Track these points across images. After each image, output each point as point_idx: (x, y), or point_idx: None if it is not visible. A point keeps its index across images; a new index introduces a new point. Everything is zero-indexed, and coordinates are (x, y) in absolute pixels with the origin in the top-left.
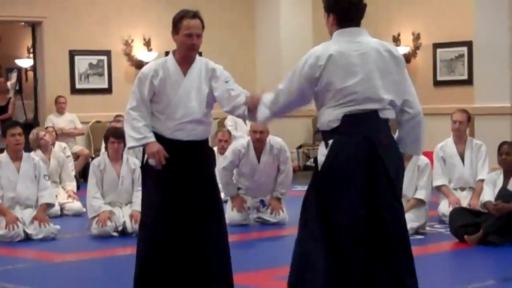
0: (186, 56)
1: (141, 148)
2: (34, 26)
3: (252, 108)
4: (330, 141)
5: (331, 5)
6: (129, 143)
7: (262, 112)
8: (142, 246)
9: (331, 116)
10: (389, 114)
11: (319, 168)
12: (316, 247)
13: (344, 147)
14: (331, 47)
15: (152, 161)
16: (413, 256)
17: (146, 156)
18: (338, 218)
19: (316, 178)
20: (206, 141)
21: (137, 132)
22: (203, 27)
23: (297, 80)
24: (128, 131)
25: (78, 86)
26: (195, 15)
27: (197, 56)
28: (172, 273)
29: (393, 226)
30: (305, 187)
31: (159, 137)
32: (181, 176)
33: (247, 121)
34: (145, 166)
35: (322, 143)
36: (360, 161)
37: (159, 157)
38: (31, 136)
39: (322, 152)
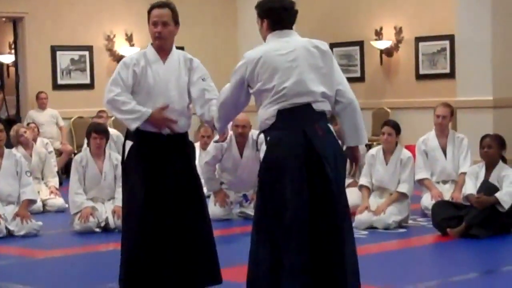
0: (158, 45)
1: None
2: (16, 22)
3: (213, 126)
4: (268, 138)
5: (264, 11)
6: (131, 125)
7: (215, 119)
8: (127, 240)
9: (266, 114)
10: (323, 106)
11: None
12: (263, 244)
13: (280, 141)
14: (261, 49)
15: (166, 130)
16: (349, 251)
17: (126, 152)
18: (281, 212)
19: (259, 175)
20: (186, 134)
21: (133, 112)
22: (174, 16)
23: (232, 82)
24: (123, 116)
25: (60, 81)
26: (165, 4)
27: (174, 48)
28: (158, 266)
29: (329, 219)
30: None
31: (141, 131)
32: (163, 169)
33: None
34: (126, 162)
35: (264, 143)
36: (296, 153)
37: (169, 120)
38: (11, 132)
39: (263, 149)
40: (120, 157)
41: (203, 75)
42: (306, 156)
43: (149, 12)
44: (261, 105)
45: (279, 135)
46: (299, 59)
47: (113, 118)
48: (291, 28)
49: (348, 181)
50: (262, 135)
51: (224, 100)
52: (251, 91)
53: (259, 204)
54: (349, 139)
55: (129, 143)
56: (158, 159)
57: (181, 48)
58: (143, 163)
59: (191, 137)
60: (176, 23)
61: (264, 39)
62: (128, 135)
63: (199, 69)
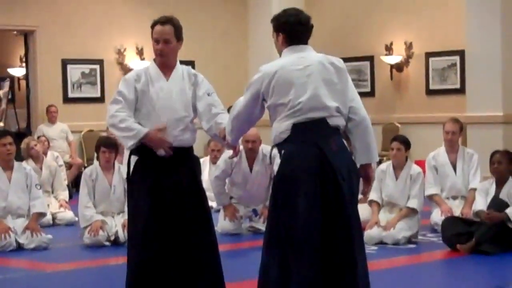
0: (160, 62)
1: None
2: (27, 35)
3: (223, 138)
4: (283, 151)
5: (280, 25)
6: (127, 143)
7: (227, 131)
8: (133, 256)
9: (281, 128)
10: (338, 121)
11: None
12: (273, 257)
13: (294, 155)
14: (277, 63)
15: (161, 151)
16: (361, 266)
17: (132, 166)
18: (293, 225)
19: (272, 188)
20: (191, 148)
21: (129, 130)
22: (177, 32)
23: (246, 95)
24: (120, 134)
25: (70, 95)
26: (167, 21)
27: (178, 63)
28: (164, 281)
29: (341, 233)
30: None
31: (145, 146)
32: (167, 184)
33: None
34: (131, 176)
35: (278, 156)
36: (310, 167)
37: (164, 143)
38: (22, 145)
39: (277, 162)
40: None
41: (208, 89)
42: (320, 170)
43: (152, 27)
44: (275, 119)
45: (294, 149)
46: (314, 74)
47: None
48: (306, 43)
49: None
50: (275, 149)
51: (238, 113)
52: (265, 105)
53: (271, 217)
54: (360, 156)
55: (134, 158)
56: (163, 174)
57: (192, 62)
58: (147, 178)
59: (201, 152)
60: (179, 39)
61: (279, 53)
62: (133, 150)
63: (203, 84)
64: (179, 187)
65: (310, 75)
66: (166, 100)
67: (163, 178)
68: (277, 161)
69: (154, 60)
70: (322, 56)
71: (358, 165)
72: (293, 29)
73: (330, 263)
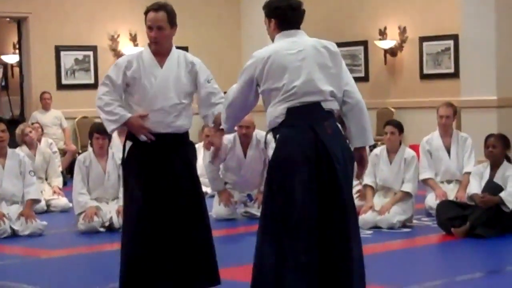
0: (154, 49)
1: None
2: (20, 22)
3: (218, 126)
4: (278, 136)
5: (272, 10)
6: (109, 126)
7: (223, 119)
8: (126, 242)
9: (276, 112)
10: (332, 105)
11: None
12: (268, 242)
13: (289, 139)
14: (270, 48)
15: (142, 137)
16: (356, 251)
17: (126, 152)
18: (288, 210)
19: (267, 173)
20: (186, 134)
21: (112, 114)
22: (170, 19)
23: (240, 82)
24: (104, 117)
25: (64, 81)
26: (160, 7)
27: (174, 48)
28: (158, 266)
29: (336, 217)
30: None
31: None
32: (161, 170)
33: None
34: (125, 162)
35: (273, 141)
36: (305, 151)
37: (144, 129)
38: (17, 131)
39: (272, 147)
40: None
41: (207, 76)
42: (315, 154)
43: (145, 14)
44: (269, 104)
45: (288, 133)
46: (308, 58)
47: None
48: (298, 28)
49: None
50: (270, 134)
51: (232, 100)
52: (259, 90)
53: (266, 201)
54: (356, 139)
55: (129, 143)
56: (157, 159)
57: (185, 48)
58: (142, 163)
59: (195, 137)
60: (173, 25)
61: (272, 39)
62: (128, 135)
63: (202, 70)
64: (172, 173)
65: (304, 59)
66: (160, 88)
67: (157, 163)
68: (272, 145)
69: (149, 45)
70: (315, 40)
71: (352, 149)
72: (284, 14)
73: (326, 248)
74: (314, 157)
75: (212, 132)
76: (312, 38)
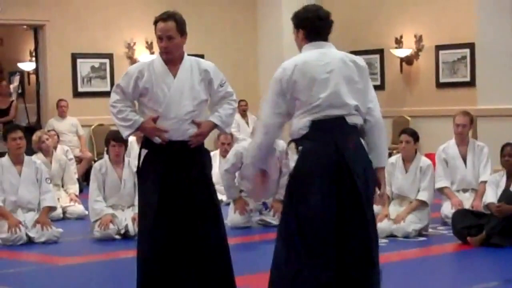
0: (166, 59)
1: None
2: (37, 30)
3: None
4: (300, 148)
5: (300, 21)
6: (124, 132)
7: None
8: (142, 249)
9: (299, 124)
10: (356, 120)
11: (290, 173)
12: (285, 253)
13: (311, 152)
14: (298, 58)
15: (156, 139)
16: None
17: (142, 160)
18: (307, 222)
19: (288, 185)
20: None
21: (126, 121)
22: (180, 28)
23: (270, 96)
24: (118, 124)
25: (80, 89)
26: (169, 17)
27: (186, 56)
28: (173, 274)
29: (358, 232)
30: None
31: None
32: (176, 177)
33: (249, 123)
34: (141, 169)
35: (295, 152)
36: (326, 165)
37: (158, 132)
38: (34, 137)
39: (293, 159)
40: None
41: (221, 80)
42: (336, 168)
43: (154, 24)
44: (292, 114)
45: (311, 146)
46: (335, 71)
47: None
48: (326, 39)
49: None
50: (292, 144)
51: (265, 123)
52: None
53: (285, 212)
54: (373, 159)
55: (144, 151)
56: (172, 167)
57: (201, 56)
58: (157, 171)
59: (211, 145)
60: (183, 34)
61: (300, 48)
62: (144, 143)
63: (215, 77)
64: (188, 180)
65: (331, 71)
66: (173, 96)
67: (172, 171)
68: (294, 157)
69: (160, 54)
70: (343, 54)
71: None
72: (312, 25)
73: (346, 262)
74: (335, 171)
75: (228, 139)
76: (340, 52)
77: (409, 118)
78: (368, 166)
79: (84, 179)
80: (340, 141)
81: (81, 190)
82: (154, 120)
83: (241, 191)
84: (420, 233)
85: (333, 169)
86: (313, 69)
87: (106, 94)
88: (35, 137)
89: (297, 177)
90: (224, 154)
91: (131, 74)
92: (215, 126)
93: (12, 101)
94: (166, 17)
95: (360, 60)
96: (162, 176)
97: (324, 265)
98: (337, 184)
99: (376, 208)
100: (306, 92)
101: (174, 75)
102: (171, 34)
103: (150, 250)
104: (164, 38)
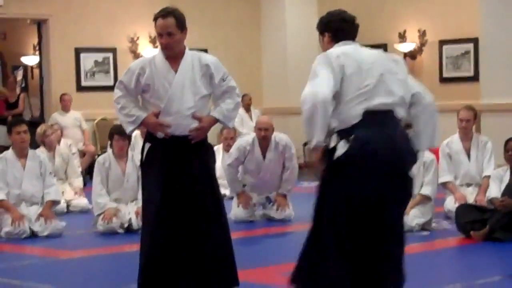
0: (167, 55)
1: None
2: (40, 24)
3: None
4: (351, 137)
5: (324, 25)
6: (127, 128)
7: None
8: (145, 243)
9: (351, 112)
10: (402, 112)
11: (337, 160)
12: (314, 243)
13: (369, 141)
14: (337, 49)
15: (159, 134)
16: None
17: (145, 153)
18: (363, 204)
19: (329, 170)
20: (205, 136)
21: (129, 116)
22: (179, 23)
23: (321, 72)
24: (122, 119)
25: (84, 83)
26: (168, 13)
27: (187, 51)
28: (175, 268)
29: (395, 223)
30: (311, 184)
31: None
32: (179, 172)
33: (253, 118)
34: (144, 163)
35: (337, 140)
36: (381, 156)
37: (160, 126)
38: (38, 130)
39: (341, 146)
40: None
41: (223, 74)
42: (389, 161)
43: (154, 21)
44: (339, 102)
45: (367, 134)
46: (377, 62)
47: None
48: (354, 40)
49: None
50: (336, 135)
51: (320, 94)
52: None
53: (321, 200)
54: (426, 141)
55: (148, 145)
56: (175, 161)
57: (205, 50)
58: (160, 165)
59: (214, 140)
60: (183, 29)
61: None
62: (147, 137)
63: (217, 71)
64: (191, 175)
65: (374, 62)
66: (174, 93)
67: (175, 165)
68: (340, 144)
69: (162, 49)
70: (377, 50)
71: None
72: (337, 26)
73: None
74: (388, 164)
75: (231, 134)
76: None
77: None
78: (414, 161)
79: (88, 173)
80: (393, 134)
81: (84, 184)
82: (156, 115)
83: (244, 185)
84: (423, 227)
85: (387, 162)
86: (358, 56)
87: (110, 88)
88: (39, 129)
89: (353, 163)
90: (227, 148)
91: (133, 70)
92: (216, 120)
93: (20, 94)
94: (165, 13)
95: (393, 54)
96: (165, 170)
97: (340, 265)
98: (391, 175)
99: None
100: (353, 78)
101: (175, 71)
102: (171, 30)
103: (152, 244)
104: (164, 34)
